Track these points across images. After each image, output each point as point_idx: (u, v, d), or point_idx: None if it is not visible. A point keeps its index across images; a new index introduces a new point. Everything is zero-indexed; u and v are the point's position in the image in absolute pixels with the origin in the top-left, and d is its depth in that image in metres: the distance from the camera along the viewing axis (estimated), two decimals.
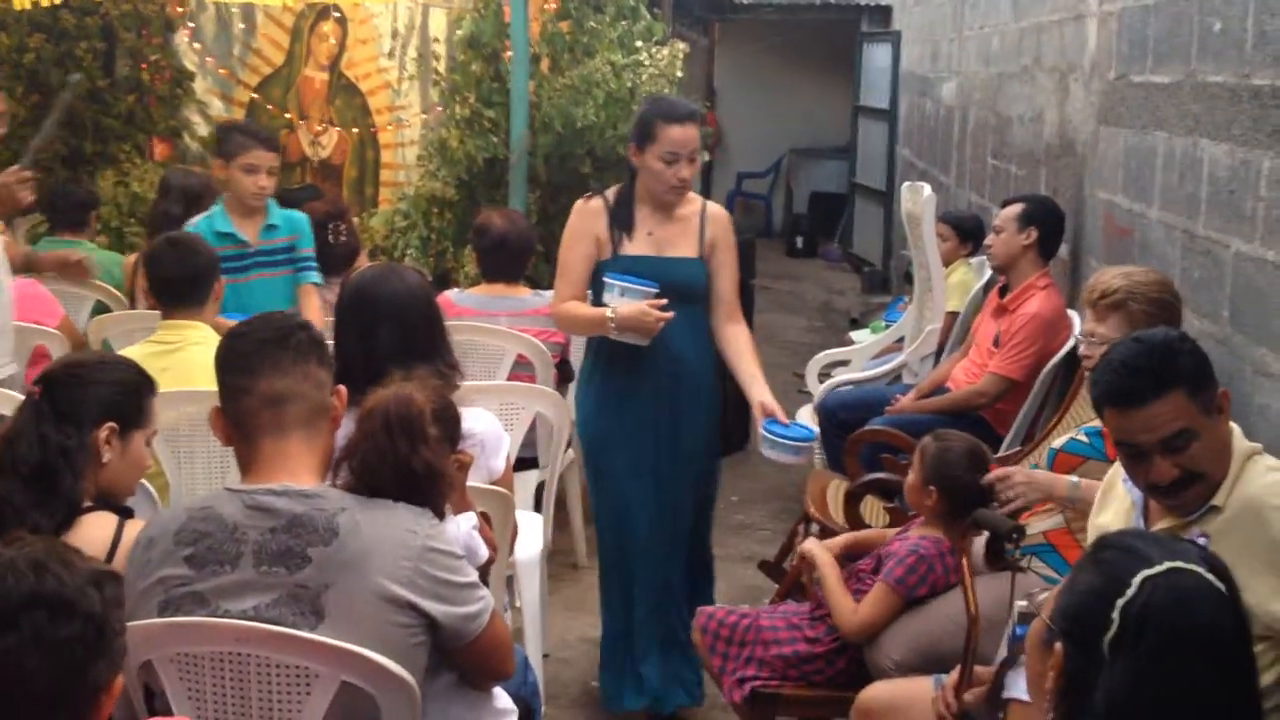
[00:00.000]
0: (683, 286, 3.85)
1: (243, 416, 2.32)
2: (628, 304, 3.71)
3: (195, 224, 4.59)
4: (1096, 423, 3.36)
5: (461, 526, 2.53)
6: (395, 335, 2.97)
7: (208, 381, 3.39)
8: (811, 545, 3.60)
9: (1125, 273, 3.48)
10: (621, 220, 3.87)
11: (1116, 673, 1.52)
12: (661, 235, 3.88)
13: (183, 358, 3.63)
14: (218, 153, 4.80)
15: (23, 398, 2.63)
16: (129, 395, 2.61)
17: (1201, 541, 2.15)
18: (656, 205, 3.87)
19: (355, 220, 6.04)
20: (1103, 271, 3.61)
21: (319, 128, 7.71)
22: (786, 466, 3.91)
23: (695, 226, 3.91)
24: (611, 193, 3.94)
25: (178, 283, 3.76)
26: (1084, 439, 3.38)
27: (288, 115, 7.71)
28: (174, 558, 2.20)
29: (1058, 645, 1.61)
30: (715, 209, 4.01)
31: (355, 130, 7.70)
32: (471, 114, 6.60)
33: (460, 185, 6.59)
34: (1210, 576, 1.60)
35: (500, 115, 6.46)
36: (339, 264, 5.21)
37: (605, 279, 3.79)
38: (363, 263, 5.35)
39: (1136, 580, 1.56)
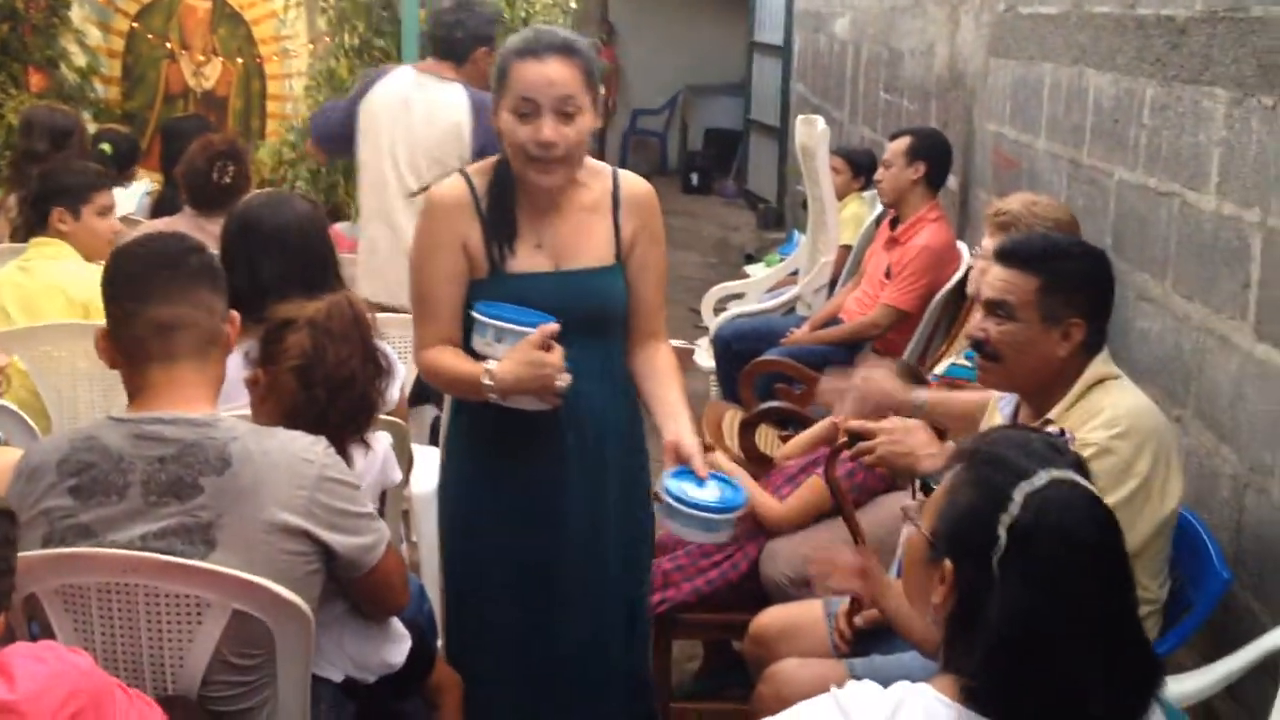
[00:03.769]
0: (596, 311, 2.69)
1: (130, 343, 2.23)
2: (510, 354, 2.52)
3: None
4: None
5: (381, 443, 2.52)
6: (282, 265, 2.89)
7: (62, 297, 3.65)
8: (719, 458, 3.64)
9: (1028, 200, 3.43)
10: (498, 226, 2.65)
11: (1009, 588, 1.55)
12: (556, 241, 2.68)
13: (39, 274, 3.78)
14: None
15: None
16: None
17: (1067, 437, 2.20)
18: (540, 196, 2.65)
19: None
20: (1012, 196, 3.61)
21: (201, 58, 7.49)
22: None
23: (605, 215, 2.71)
24: (478, 175, 2.70)
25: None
26: (965, 363, 3.46)
27: (168, 45, 7.48)
28: (58, 489, 2.14)
29: (946, 563, 1.62)
30: (632, 182, 2.77)
31: (240, 60, 7.49)
32: (361, 43, 6.47)
33: None
34: (1085, 483, 1.62)
35: (391, 44, 6.33)
36: (225, 200, 5.04)
37: (474, 313, 2.60)
38: None
39: (1019, 496, 1.57)
